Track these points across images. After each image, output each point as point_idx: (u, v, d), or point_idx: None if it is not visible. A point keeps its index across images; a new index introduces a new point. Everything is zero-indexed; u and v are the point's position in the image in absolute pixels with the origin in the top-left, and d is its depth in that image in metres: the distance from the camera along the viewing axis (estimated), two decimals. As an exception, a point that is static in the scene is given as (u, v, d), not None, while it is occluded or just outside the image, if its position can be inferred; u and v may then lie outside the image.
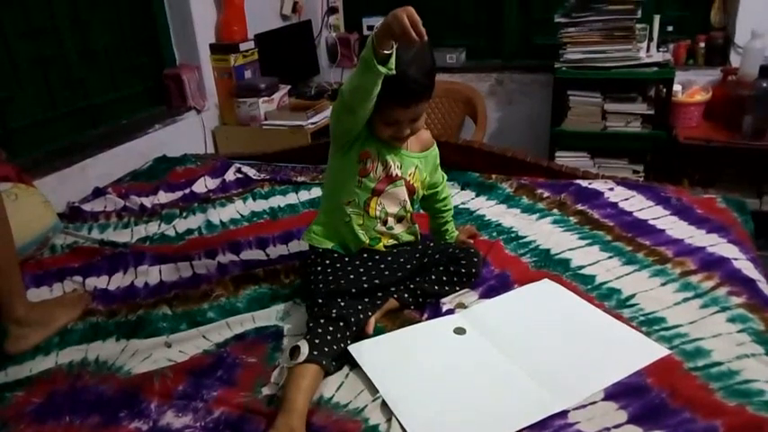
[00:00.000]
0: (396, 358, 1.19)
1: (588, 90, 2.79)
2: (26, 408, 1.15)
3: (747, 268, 1.38)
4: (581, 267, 1.47)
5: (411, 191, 1.40)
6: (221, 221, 1.90)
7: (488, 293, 1.39)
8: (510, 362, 1.17)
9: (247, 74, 2.84)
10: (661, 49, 2.80)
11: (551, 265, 1.49)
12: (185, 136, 2.67)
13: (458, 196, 1.91)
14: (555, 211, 1.77)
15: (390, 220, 1.39)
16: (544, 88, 3.10)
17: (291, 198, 2.04)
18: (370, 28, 3.33)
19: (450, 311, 1.33)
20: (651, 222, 1.64)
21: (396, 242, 1.42)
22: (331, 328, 1.18)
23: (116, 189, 2.16)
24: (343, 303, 1.24)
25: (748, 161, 2.64)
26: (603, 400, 1.05)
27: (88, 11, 2.30)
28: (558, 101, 2.86)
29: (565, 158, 2.85)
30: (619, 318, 1.27)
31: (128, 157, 2.37)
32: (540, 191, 1.90)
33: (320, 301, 1.27)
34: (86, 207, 2.04)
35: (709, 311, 1.25)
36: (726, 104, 2.71)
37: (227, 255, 1.66)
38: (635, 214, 1.69)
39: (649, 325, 1.23)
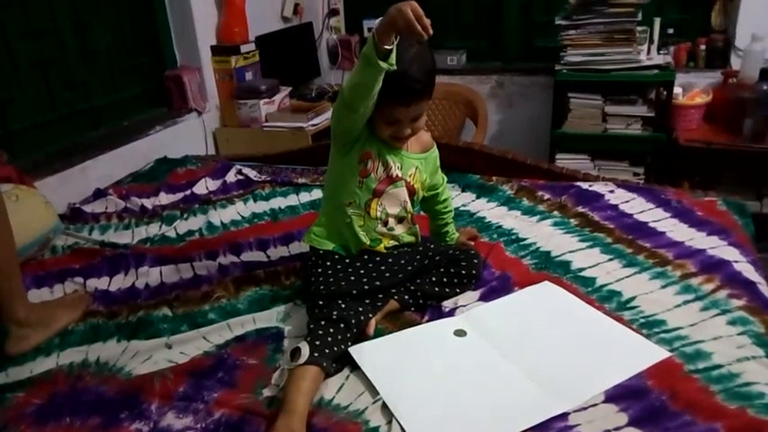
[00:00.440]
0: (396, 360, 1.19)
1: (589, 92, 2.80)
2: (26, 409, 1.15)
3: (748, 271, 1.38)
4: (581, 269, 1.47)
5: (411, 192, 1.40)
6: (222, 223, 1.90)
7: (489, 295, 1.39)
8: (510, 364, 1.17)
9: (248, 75, 2.84)
10: (662, 52, 2.80)
11: (552, 268, 1.49)
12: (186, 137, 2.67)
13: (458, 198, 1.91)
14: (555, 213, 1.77)
15: (391, 221, 1.39)
16: (545, 90, 3.10)
17: (292, 200, 2.04)
18: (371, 30, 3.33)
19: (451, 313, 1.33)
20: (651, 225, 1.64)
21: (396, 243, 1.42)
22: (332, 330, 1.19)
23: (117, 190, 2.16)
24: (343, 305, 1.24)
25: (749, 164, 2.64)
26: (604, 402, 1.05)
27: (89, 12, 2.30)
28: (558, 103, 2.86)
29: (565, 161, 2.85)
30: (619, 320, 1.27)
31: (129, 159, 2.37)
32: (540, 193, 1.90)
33: (321, 302, 1.27)
34: (87, 208, 2.04)
35: (710, 314, 1.25)
36: (726, 107, 2.71)
37: (228, 256, 1.67)
38: (635, 217, 1.69)
39: (650, 327, 1.24)
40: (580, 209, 1.77)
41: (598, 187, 1.88)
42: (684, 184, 2.62)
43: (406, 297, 1.37)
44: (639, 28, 2.67)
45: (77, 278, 1.61)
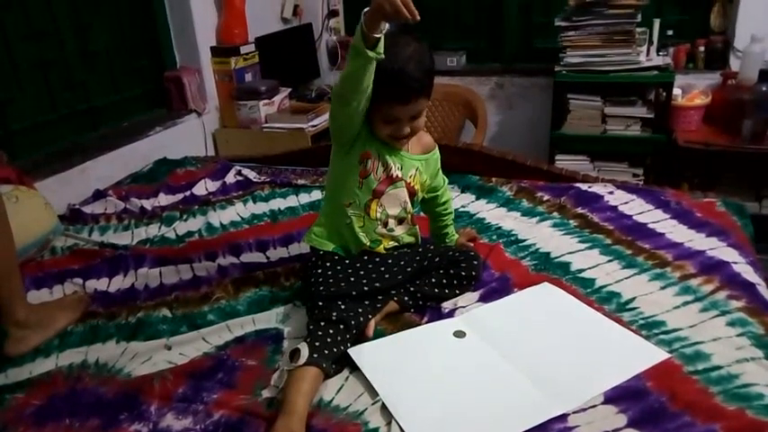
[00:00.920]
0: (396, 361, 1.19)
1: (588, 93, 2.80)
2: (26, 410, 1.15)
3: (747, 272, 1.38)
4: (581, 271, 1.47)
5: (411, 193, 1.40)
6: (221, 224, 1.90)
7: (488, 296, 1.39)
8: (510, 365, 1.17)
9: (248, 77, 2.84)
10: (661, 53, 2.80)
11: (551, 269, 1.49)
12: (186, 138, 2.67)
13: (458, 199, 1.91)
14: (555, 214, 1.77)
15: (391, 222, 1.39)
16: (544, 91, 3.10)
17: (291, 201, 2.04)
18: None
19: (451, 314, 1.33)
20: (651, 226, 1.64)
21: (396, 244, 1.42)
22: (331, 331, 1.19)
23: (116, 191, 2.16)
24: (343, 306, 1.25)
25: (748, 165, 2.65)
26: (603, 403, 1.05)
27: (89, 13, 2.30)
28: (557, 104, 2.87)
29: (565, 162, 2.85)
30: (618, 321, 1.27)
31: (128, 160, 2.37)
32: (539, 194, 1.90)
33: (320, 303, 1.28)
34: (87, 209, 2.04)
35: (709, 315, 1.25)
36: (725, 108, 2.71)
37: (228, 257, 1.66)
38: (635, 218, 1.70)
39: (649, 328, 1.24)
40: (580, 210, 1.77)
41: (598, 188, 1.88)
42: (684, 186, 2.62)
43: (406, 298, 1.37)
44: (639, 29, 2.67)
45: (77, 279, 1.61)
